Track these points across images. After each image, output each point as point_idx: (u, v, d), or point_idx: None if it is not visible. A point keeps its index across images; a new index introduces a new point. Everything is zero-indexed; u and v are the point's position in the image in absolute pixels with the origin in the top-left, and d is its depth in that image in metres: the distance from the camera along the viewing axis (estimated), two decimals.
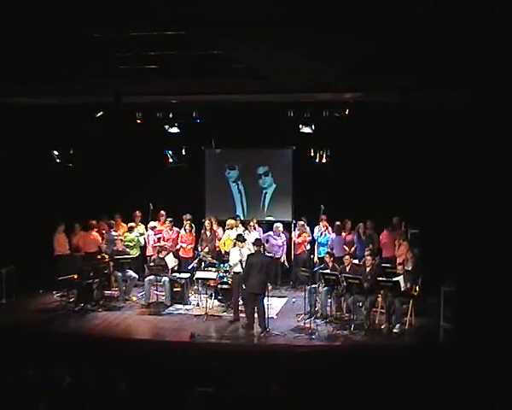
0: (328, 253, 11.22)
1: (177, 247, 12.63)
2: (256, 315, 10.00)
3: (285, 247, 12.86)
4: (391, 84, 9.25)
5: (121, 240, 12.29)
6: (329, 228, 12.57)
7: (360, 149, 12.33)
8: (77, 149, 12.60)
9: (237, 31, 7.23)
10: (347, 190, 12.39)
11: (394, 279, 10.11)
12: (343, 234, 12.42)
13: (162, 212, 12.95)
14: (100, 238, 12.55)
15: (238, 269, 10.56)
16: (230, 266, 10.88)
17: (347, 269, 10.61)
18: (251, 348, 9.41)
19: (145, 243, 12.83)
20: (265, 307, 10.11)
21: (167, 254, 11.83)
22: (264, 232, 12.96)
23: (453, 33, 7.32)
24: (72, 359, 8.31)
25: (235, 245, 10.99)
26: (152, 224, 12.80)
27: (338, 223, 12.38)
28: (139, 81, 9.54)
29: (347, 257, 10.82)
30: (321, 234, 12.51)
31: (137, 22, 7.50)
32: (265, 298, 10.23)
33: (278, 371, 8.11)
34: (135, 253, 12.58)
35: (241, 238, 10.93)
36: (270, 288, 11.54)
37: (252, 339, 9.66)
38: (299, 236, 12.66)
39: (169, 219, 12.84)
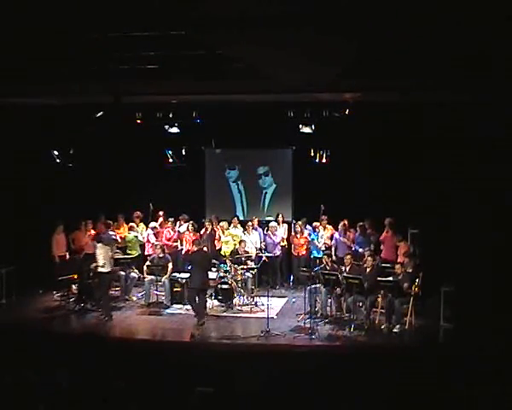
0: (326, 254, 11.22)
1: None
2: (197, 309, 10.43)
3: (282, 245, 12.86)
4: (391, 84, 9.25)
5: (120, 239, 12.37)
6: (327, 227, 12.57)
7: (360, 149, 12.33)
8: (77, 149, 12.59)
9: (237, 31, 7.23)
10: (347, 190, 12.39)
11: (393, 279, 10.12)
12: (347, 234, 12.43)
13: (161, 212, 12.96)
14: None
15: (105, 269, 10.62)
16: (97, 266, 10.77)
17: (347, 269, 10.62)
18: (251, 348, 9.41)
19: (144, 242, 12.85)
20: (209, 303, 10.81)
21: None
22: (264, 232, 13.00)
23: (453, 33, 7.32)
24: (72, 359, 8.31)
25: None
26: (152, 224, 12.81)
27: (343, 222, 12.36)
28: (139, 81, 9.54)
29: (348, 257, 10.82)
30: (318, 234, 12.53)
31: (137, 22, 7.50)
32: (207, 293, 10.85)
33: (278, 371, 8.11)
34: (134, 253, 12.60)
35: (99, 238, 11.06)
36: (269, 288, 11.62)
37: (252, 339, 9.66)
38: (300, 237, 12.65)
39: (170, 219, 12.86)
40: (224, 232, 12.74)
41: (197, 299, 10.42)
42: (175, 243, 12.75)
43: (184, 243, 12.65)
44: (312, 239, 12.54)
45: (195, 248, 10.79)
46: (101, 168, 13.34)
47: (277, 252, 12.82)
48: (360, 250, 11.81)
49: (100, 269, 10.70)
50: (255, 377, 7.70)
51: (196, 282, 10.43)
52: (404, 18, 6.87)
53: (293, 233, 12.82)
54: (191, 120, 12.04)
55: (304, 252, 12.58)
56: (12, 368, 7.43)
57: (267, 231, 12.87)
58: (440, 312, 10.17)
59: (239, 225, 12.92)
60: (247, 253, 12.11)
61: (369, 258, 10.60)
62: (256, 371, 8.09)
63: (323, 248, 12.20)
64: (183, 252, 12.59)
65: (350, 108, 11.09)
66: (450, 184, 11.05)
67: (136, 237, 12.76)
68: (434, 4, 6.55)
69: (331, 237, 12.49)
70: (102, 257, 10.63)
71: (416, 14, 6.76)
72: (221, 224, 12.83)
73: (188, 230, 12.60)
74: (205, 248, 12.12)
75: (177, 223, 12.88)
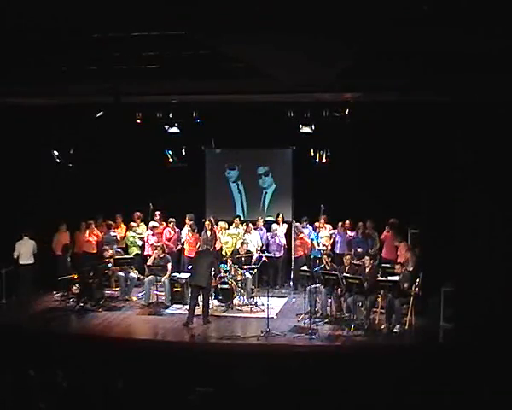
0: (325, 253, 11.22)
1: (179, 247, 12.77)
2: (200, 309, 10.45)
3: (284, 245, 12.87)
4: (391, 84, 9.25)
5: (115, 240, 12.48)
6: (327, 226, 12.57)
7: (360, 149, 12.33)
8: (77, 149, 12.59)
9: (237, 31, 7.23)
10: (347, 190, 12.40)
11: (393, 279, 10.12)
12: (348, 233, 12.46)
13: (157, 212, 12.98)
14: (95, 239, 12.56)
15: (22, 262, 11.73)
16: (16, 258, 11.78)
17: (347, 269, 10.62)
18: (251, 348, 9.41)
19: (143, 242, 12.86)
20: (210, 303, 10.65)
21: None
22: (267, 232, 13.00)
23: (452, 33, 7.32)
24: (72, 359, 8.32)
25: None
26: (152, 224, 12.82)
27: (347, 222, 12.37)
28: (139, 81, 9.53)
29: (348, 257, 10.82)
30: (318, 234, 12.53)
31: (137, 22, 7.50)
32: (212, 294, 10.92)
33: (278, 371, 8.12)
34: (133, 251, 12.64)
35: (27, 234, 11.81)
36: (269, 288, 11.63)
37: (252, 339, 9.66)
38: (296, 238, 12.62)
39: (172, 219, 12.86)
40: (223, 233, 12.73)
41: (200, 298, 10.41)
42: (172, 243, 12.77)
43: (186, 245, 12.65)
44: (312, 239, 12.54)
45: (204, 247, 10.80)
46: (101, 168, 13.33)
47: (279, 253, 12.81)
48: (359, 250, 11.85)
49: (20, 261, 11.71)
50: (255, 377, 7.71)
51: (200, 280, 10.37)
52: (404, 17, 6.87)
53: (294, 235, 12.79)
54: (191, 120, 12.04)
55: (300, 253, 12.55)
56: (12, 368, 7.44)
57: (272, 231, 12.86)
58: (440, 312, 10.17)
59: (240, 225, 12.91)
60: (249, 253, 12.11)
61: (368, 257, 10.60)
62: (256, 372, 8.09)
63: (323, 249, 12.18)
64: (185, 254, 12.59)
65: (350, 108, 11.09)
66: (451, 183, 11.05)
67: (133, 236, 12.79)
68: (434, 4, 6.55)
69: (330, 236, 12.50)
70: (21, 251, 11.66)
71: (415, 12, 6.76)
72: (221, 224, 12.81)
73: (188, 231, 12.62)
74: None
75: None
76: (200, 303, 10.59)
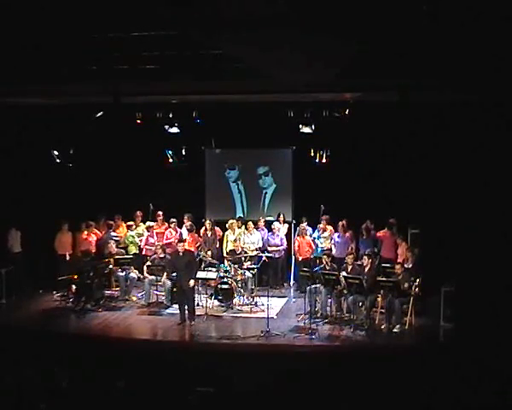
0: (325, 253, 11.21)
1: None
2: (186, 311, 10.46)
3: (284, 245, 12.87)
4: (391, 83, 9.26)
5: (115, 241, 12.46)
6: (328, 227, 12.55)
7: (360, 149, 12.33)
8: (77, 149, 12.60)
9: (237, 31, 7.24)
10: (347, 190, 12.39)
11: (393, 279, 10.12)
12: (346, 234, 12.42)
13: (160, 212, 12.98)
14: (95, 238, 12.57)
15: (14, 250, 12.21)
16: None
17: (349, 269, 10.60)
18: (251, 348, 9.41)
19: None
20: (195, 303, 10.69)
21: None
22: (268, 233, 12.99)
23: (452, 33, 7.33)
24: (72, 359, 8.32)
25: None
26: (148, 224, 12.82)
27: (342, 223, 12.35)
28: (139, 81, 9.54)
29: (350, 257, 10.79)
30: (319, 235, 12.50)
31: (137, 22, 7.51)
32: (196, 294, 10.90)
33: (278, 371, 8.11)
34: (132, 250, 12.68)
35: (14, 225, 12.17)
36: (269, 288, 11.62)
37: (252, 339, 9.66)
38: (296, 239, 12.61)
39: (173, 219, 12.86)
40: (234, 232, 12.66)
41: (186, 300, 10.40)
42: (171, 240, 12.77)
43: (186, 245, 12.64)
44: (315, 238, 12.52)
45: (180, 249, 10.61)
46: (102, 168, 13.33)
47: (279, 253, 12.79)
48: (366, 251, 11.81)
49: (14, 250, 12.15)
50: (255, 378, 7.71)
51: (182, 283, 10.40)
52: (405, 17, 6.87)
53: (300, 235, 12.72)
54: (191, 120, 12.04)
55: (307, 256, 12.52)
56: (12, 368, 7.44)
57: (274, 230, 12.84)
58: (440, 312, 10.16)
59: (243, 226, 12.89)
60: (245, 249, 12.10)
61: (366, 257, 10.59)
62: (256, 372, 8.09)
63: (325, 248, 12.16)
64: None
65: (350, 108, 11.09)
66: (451, 183, 11.06)
67: (132, 236, 12.80)
68: (434, 4, 6.56)
69: (331, 238, 12.48)
70: (13, 241, 12.15)
71: (415, 12, 6.77)
72: (231, 222, 12.74)
73: (187, 229, 12.62)
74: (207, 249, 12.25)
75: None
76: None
